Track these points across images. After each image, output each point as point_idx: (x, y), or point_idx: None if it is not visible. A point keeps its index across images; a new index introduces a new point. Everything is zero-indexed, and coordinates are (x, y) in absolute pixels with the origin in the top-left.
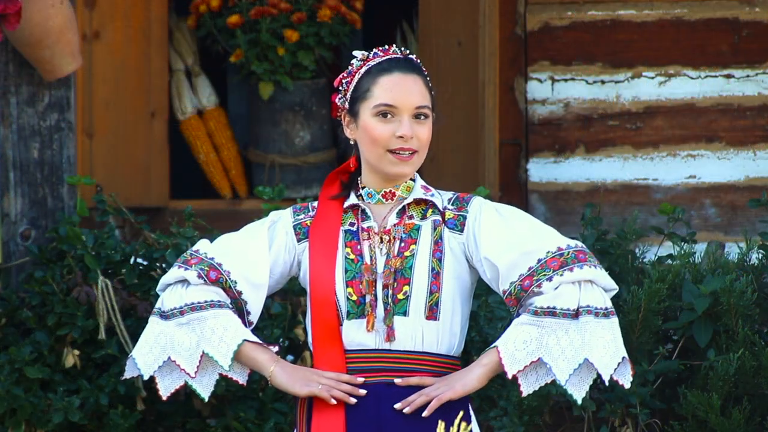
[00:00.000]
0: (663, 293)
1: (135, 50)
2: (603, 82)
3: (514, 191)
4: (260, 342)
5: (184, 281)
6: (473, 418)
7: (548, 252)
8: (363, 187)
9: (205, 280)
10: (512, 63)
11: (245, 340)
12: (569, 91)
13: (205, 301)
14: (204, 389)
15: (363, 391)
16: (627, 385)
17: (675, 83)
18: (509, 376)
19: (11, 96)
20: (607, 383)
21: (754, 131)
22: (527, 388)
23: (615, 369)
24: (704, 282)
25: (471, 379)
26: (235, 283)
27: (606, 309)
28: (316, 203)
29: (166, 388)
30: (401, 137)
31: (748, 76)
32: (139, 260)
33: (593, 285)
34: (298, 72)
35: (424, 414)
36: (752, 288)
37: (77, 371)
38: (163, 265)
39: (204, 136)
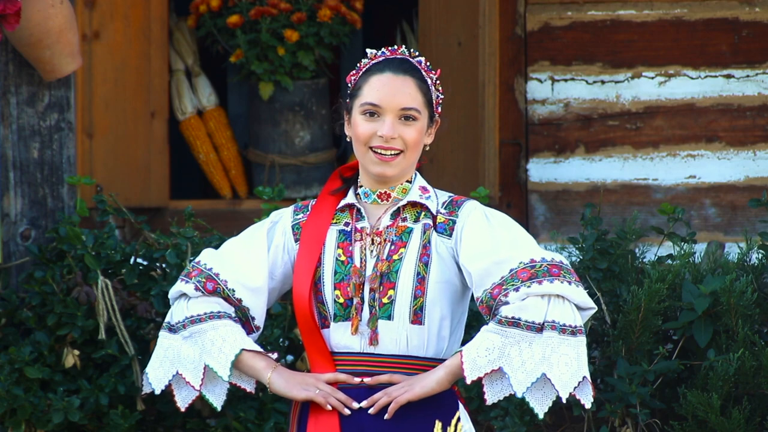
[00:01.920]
0: (663, 293)
1: (135, 50)
2: (603, 82)
3: (514, 191)
4: (259, 350)
5: (186, 294)
6: (467, 417)
7: (521, 263)
8: (361, 186)
9: (202, 292)
10: (512, 63)
11: (243, 349)
12: (569, 91)
13: (205, 313)
14: (216, 399)
15: (356, 405)
16: (588, 405)
17: (675, 83)
18: (468, 382)
19: (11, 96)
20: (564, 401)
21: (754, 131)
22: (491, 396)
23: (575, 387)
24: (704, 282)
25: (430, 381)
26: (233, 291)
27: (574, 327)
28: (315, 202)
29: (183, 400)
30: (381, 137)
31: (748, 76)
32: (139, 260)
33: (564, 301)
34: (298, 72)
35: (386, 417)
36: (752, 288)
37: (77, 371)
38: (163, 265)
39: (204, 136)
